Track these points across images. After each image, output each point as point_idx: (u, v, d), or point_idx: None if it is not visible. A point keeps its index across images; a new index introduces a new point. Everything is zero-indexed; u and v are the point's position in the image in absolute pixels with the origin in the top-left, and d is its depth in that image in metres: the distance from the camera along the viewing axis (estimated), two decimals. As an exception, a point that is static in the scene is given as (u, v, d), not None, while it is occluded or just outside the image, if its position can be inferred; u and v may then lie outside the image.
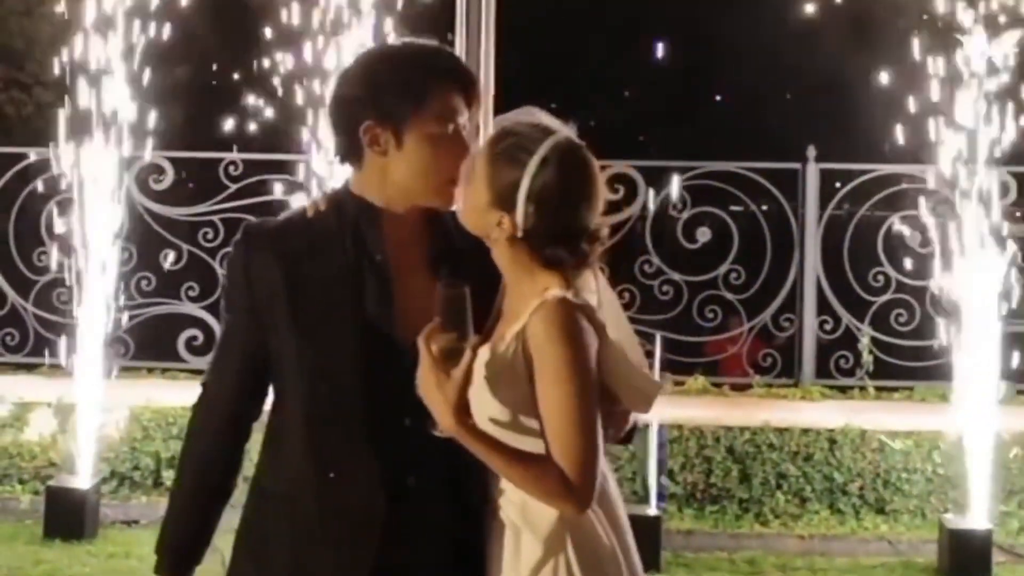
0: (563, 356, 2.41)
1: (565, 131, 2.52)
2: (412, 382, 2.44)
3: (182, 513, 2.76)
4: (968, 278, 6.99)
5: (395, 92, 2.56)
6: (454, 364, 2.39)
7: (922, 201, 7.58)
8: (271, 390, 2.71)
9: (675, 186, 8.38)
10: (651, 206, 8.36)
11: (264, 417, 2.76)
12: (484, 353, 2.46)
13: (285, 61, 7.42)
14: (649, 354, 7.00)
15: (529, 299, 2.48)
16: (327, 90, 7.15)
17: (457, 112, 2.59)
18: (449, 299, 2.41)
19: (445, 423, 2.41)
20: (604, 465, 2.54)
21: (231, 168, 8.53)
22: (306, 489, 2.59)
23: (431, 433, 2.45)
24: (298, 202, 7.49)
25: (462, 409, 2.41)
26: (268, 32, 7.64)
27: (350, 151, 2.63)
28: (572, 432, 2.40)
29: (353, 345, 2.56)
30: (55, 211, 7.81)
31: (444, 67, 2.64)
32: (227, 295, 2.72)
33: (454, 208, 2.64)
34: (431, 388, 2.41)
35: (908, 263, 8.11)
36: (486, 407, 2.47)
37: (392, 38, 7.23)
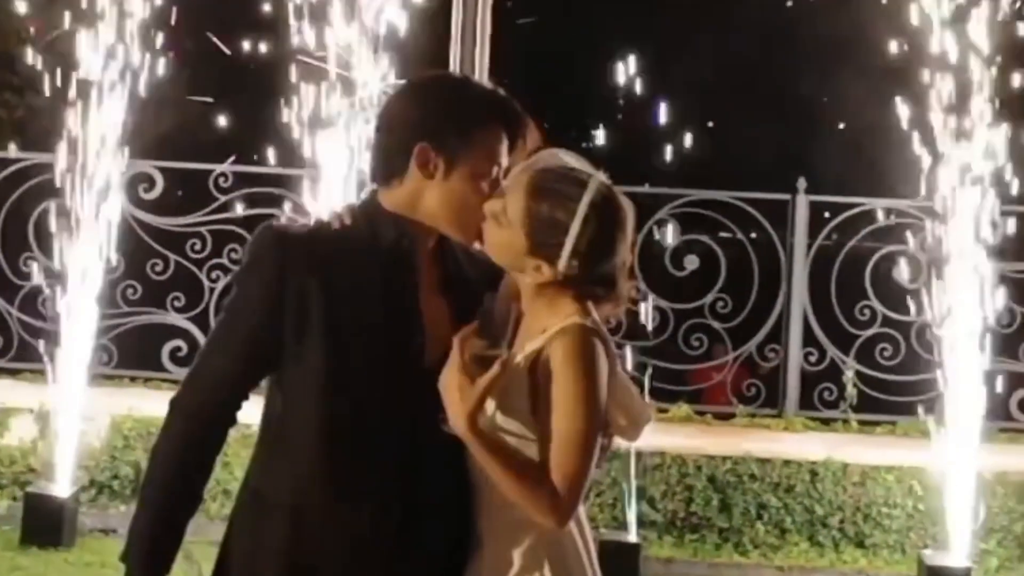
0: (579, 382, 2.51)
1: (596, 177, 2.60)
2: (431, 403, 2.52)
3: (157, 523, 2.69)
4: (953, 314, 7.02)
5: (459, 124, 2.64)
6: (481, 372, 2.48)
7: (910, 236, 7.62)
8: (275, 397, 2.69)
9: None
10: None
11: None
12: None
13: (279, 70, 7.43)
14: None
15: (547, 322, 2.57)
16: (321, 103, 7.19)
17: (503, 155, 2.67)
18: (492, 311, 2.57)
19: (458, 425, 2.50)
20: None
21: (221, 180, 8.52)
22: (314, 500, 2.61)
23: (442, 429, 2.53)
24: (285, 214, 7.53)
25: (476, 416, 2.50)
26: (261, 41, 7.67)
27: (393, 167, 2.67)
28: (574, 455, 2.51)
29: (383, 364, 2.60)
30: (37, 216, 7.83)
31: (507, 112, 2.71)
32: (245, 293, 2.68)
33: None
34: (453, 388, 2.50)
35: (895, 297, 8.12)
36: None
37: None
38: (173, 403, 2.73)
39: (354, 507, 2.60)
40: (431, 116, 2.65)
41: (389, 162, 2.69)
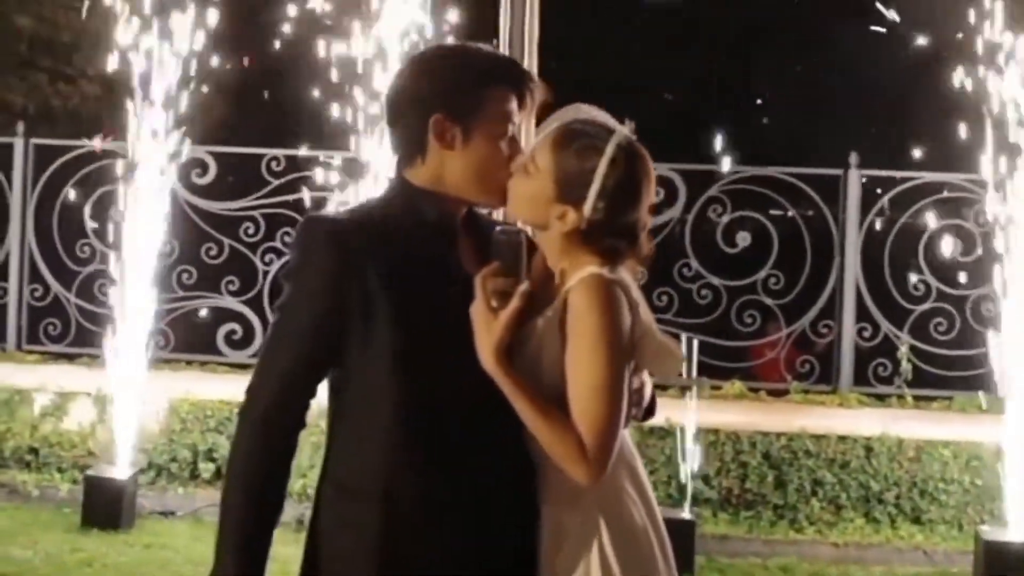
0: (598, 326, 2.51)
1: (623, 128, 2.62)
2: None
3: (241, 536, 2.64)
4: (1010, 288, 6.95)
5: (468, 90, 2.67)
6: (504, 306, 2.53)
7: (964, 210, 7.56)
8: (343, 389, 2.68)
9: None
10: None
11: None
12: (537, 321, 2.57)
13: (329, 56, 7.46)
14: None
15: (572, 275, 2.58)
16: (373, 86, 7.22)
17: (515, 115, 2.70)
18: (505, 245, 2.58)
19: (486, 360, 2.54)
20: (631, 444, 2.68)
21: (273, 164, 8.58)
22: (404, 482, 2.60)
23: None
24: (338, 198, 7.57)
25: (503, 349, 2.53)
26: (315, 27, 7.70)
27: (413, 143, 2.69)
28: (596, 401, 2.50)
29: (449, 338, 2.60)
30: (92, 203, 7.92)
31: (511, 72, 2.75)
32: (303, 288, 2.64)
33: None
34: (479, 325, 2.54)
35: (949, 272, 8.06)
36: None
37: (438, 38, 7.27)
38: (241, 414, 2.68)
39: (442, 483, 2.61)
40: (439, 87, 2.67)
41: (408, 141, 2.70)
